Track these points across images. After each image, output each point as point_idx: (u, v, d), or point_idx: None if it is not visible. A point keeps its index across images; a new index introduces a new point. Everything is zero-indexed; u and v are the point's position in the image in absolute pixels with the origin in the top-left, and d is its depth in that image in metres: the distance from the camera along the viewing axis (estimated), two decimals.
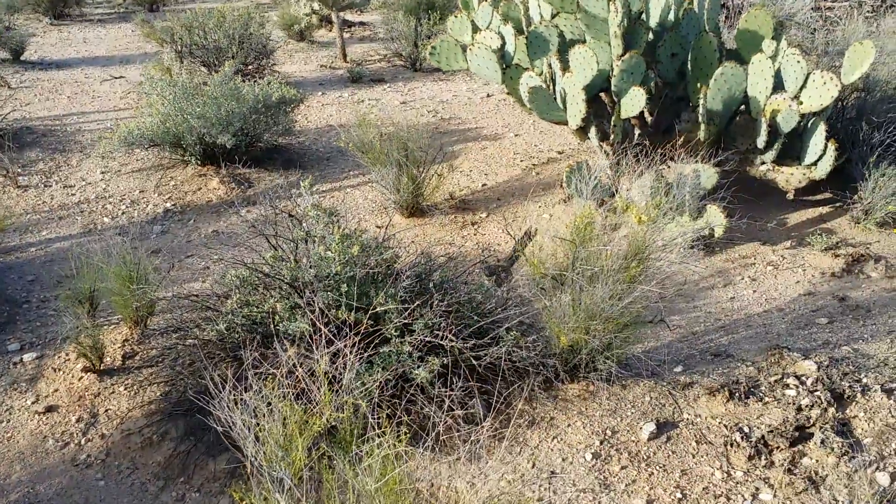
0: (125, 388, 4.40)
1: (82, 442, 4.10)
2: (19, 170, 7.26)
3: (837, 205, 6.19)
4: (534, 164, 7.26)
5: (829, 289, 5.22)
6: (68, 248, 5.94)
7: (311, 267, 3.96)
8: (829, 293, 5.17)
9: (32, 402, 4.36)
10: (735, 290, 5.30)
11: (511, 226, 5.99)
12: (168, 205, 6.75)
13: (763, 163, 5.94)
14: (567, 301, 3.84)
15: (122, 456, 4.01)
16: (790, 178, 5.88)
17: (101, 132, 7.45)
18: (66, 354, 4.66)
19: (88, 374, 4.49)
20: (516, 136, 8.06)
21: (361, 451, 2.31)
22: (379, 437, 2.27)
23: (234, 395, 2.56)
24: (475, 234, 6.10)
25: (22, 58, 11.34)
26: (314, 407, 2.50)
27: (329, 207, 4.16)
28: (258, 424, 2.44)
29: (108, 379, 4.48)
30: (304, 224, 4.30)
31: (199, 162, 7.16)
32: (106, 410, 4.27)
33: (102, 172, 7.27)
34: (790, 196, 6.05)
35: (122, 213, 6.62)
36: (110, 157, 7.32)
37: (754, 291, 5.25)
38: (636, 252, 3.95)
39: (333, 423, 2.46)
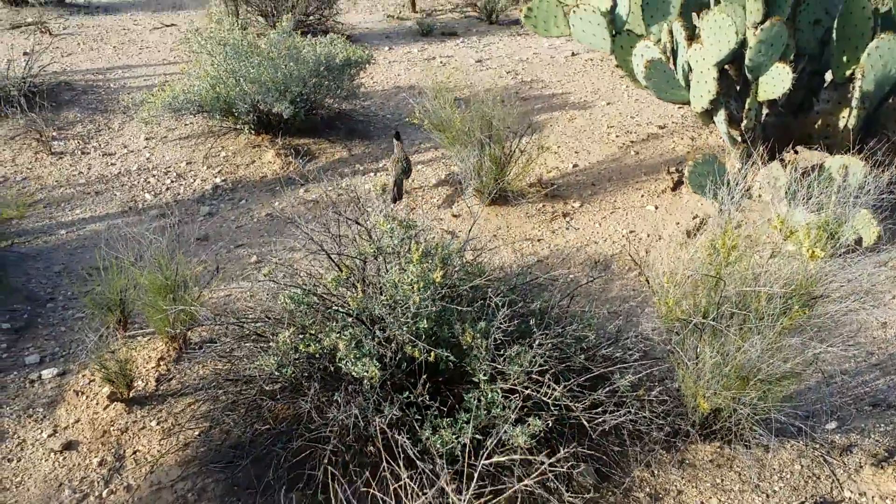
0: (157, 423, 3.67)
1: (104, 495, 3.38)
2: (54, 133, 6.54)
3: None
4: (632, 141, 6.30)
5: None
6: (104, 231, 5.22)
7: (383, 296, 3.15)
8: None
9: (49, 436, 3.66)
10: (887, 313, 4.36)
11: (628, 241, 5.06)
12: (217, 180, 5.97)
13: None
14: (710, 357, 2.97)
15: None
16: None
17: (146, 91, 6.67)
18: (92, 374, 3.94)
19: (115, 402, 3.76)
20: (608, 104, 7.09)
21: None
22: None
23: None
24: (567, 229, 5.21)
25: (67, 0, 10.60)
26: None
27: (407, 219, 3.31)
28: None
29: (139, 410, 3.75)
30: (372, 235, 3.48)
31: (252, 131, 6.35)
32: (134, 452, 3.55)
33: (147, 139, 6.53)
34: None
35: (167, 189, 5.87)
36: (155, 122, 6.55)
37: None
38: (802, 292, 3.06)
39: None
